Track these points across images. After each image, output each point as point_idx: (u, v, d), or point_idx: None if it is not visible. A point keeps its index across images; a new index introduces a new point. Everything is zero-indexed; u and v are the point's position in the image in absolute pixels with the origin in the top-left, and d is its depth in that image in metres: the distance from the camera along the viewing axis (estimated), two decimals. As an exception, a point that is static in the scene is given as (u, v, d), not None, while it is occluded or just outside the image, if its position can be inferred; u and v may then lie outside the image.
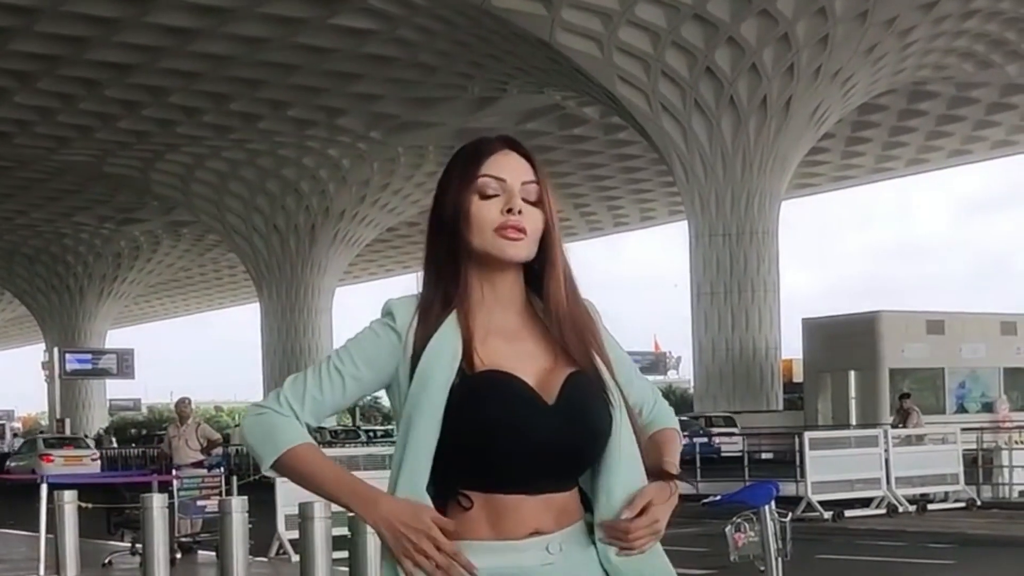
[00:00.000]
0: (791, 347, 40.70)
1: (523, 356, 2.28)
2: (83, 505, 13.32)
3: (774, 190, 37.12)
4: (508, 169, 2.30)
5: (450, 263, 2.32)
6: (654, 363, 71.99)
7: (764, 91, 35.08)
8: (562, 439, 2.23)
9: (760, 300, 37.32)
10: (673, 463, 2.36)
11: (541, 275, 2.34)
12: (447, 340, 2.26)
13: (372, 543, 8.90)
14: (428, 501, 2.22)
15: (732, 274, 37.09)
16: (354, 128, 44.78)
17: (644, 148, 42.17)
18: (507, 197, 2.28)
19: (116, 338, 77.71)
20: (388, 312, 2.33)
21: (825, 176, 54.33)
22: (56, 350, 57.71)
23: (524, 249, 2.28)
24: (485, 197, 2.29)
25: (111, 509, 14.85)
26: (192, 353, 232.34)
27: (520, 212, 2.27)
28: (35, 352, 78.50)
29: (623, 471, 2.29)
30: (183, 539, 14.66)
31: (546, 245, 2.32)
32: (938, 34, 35.67)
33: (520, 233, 2.27)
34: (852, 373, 36.74)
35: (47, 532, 13.15)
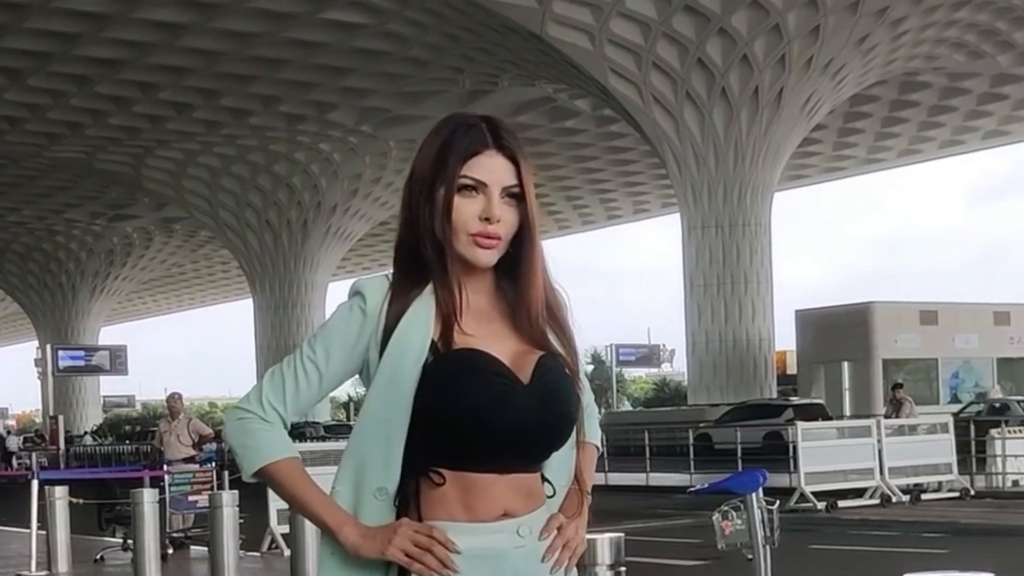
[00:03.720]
0: (787, 339, 40.77)
1: (495, 336, 2.28)
2: (74, 501, 13.31)
3: (766, 182, 37.09)
4: (491, 172, 2.26)
5: (423, 246, 2.29)
6: (648, 356, 71.97)
7: (756, 82, 35.04)
8: (536, 418, 2.23)
9: (753, 292, 37.29)
10: (585, 485, 2.39)
11: (517, 262, 2.31)
12: (420, 319, 2.26)
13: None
14: (397, 477, 2.23)
15: (725, 266, 37.05)
16: (345, 122, 44.71)
17: (636, 140, 42.14)
18: (486, 203, 2.25)
19: (109, 335, 77.76)
20: (357, 292, 2.32)
21: (817, 167, 54.35)
22: (49, 347, 57.66)
23: (496, 254, 2.28)
24: (464, 195, 2.26)
25: (102, 505, 14.83)
26: (186, 349, 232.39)
27: (498, 220, 2.25)
28: (28, 349, 78.46)
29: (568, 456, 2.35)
30: (174, 534, 14.66)
31: (523, 236, 2.30)
32: (929, 24, 35.65)
33: (494, 240, 2.26)
34: (845, 364, 36.78)
35: (39, 528, 13.13)
